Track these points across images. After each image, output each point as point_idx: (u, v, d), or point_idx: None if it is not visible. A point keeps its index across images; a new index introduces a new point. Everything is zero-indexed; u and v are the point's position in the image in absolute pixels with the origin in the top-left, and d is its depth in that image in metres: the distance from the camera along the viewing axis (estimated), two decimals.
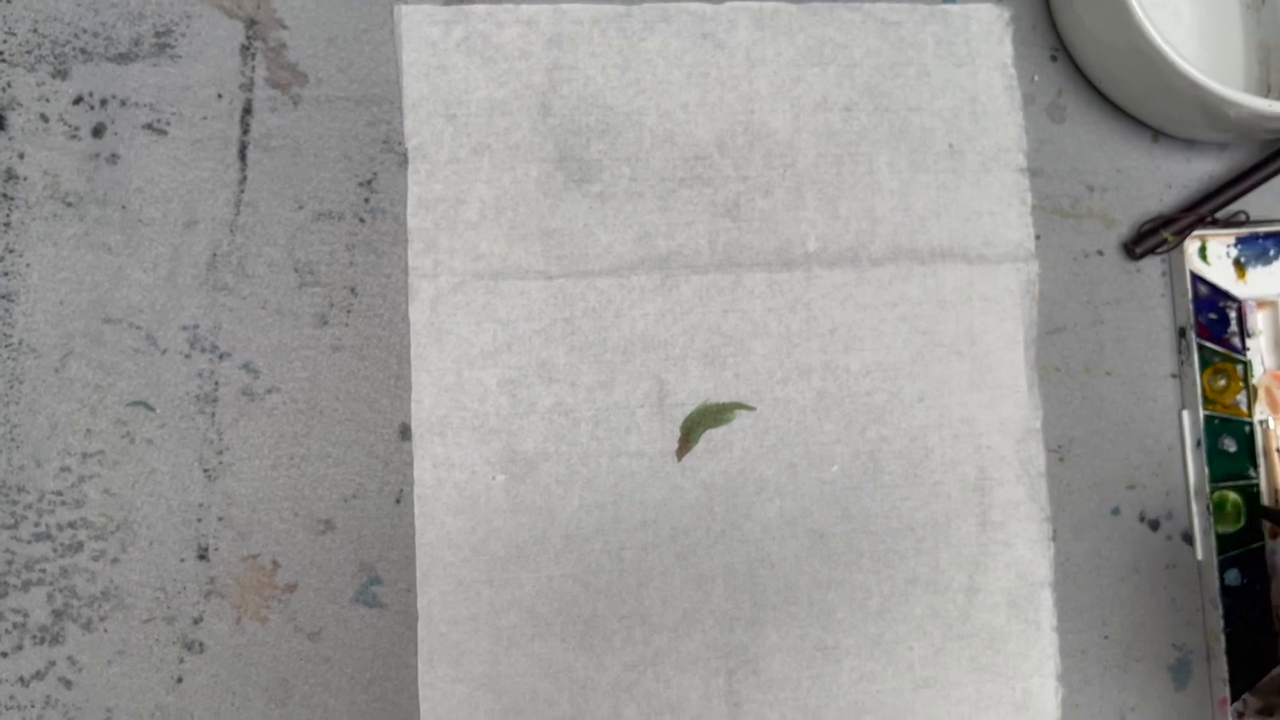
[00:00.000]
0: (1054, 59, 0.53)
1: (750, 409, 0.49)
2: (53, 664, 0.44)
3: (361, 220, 0.47)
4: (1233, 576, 0.51)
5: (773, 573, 0.48)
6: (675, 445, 0.48)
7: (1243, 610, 0.51)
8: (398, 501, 0.46)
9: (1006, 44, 0.52)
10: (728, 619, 0.48)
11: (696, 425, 0.49)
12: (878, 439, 0.49)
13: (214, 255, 0.46)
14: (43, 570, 0.44)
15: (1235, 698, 0.50)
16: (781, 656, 0.48)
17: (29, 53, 0.46)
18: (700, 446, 0.48)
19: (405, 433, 0.47)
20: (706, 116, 0.50)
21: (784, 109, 0.50)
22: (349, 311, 0.47)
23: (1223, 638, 0.50)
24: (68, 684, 0.44)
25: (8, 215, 0.45)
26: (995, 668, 0.49)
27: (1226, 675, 0.50)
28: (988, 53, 0.52)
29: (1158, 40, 0.46)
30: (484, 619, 0.46)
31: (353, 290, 0.47)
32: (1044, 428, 0.51)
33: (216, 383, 0.46)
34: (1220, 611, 0.50)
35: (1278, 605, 0.51)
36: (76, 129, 0.46)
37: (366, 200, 0.47)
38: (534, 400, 0.48)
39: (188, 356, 0.46)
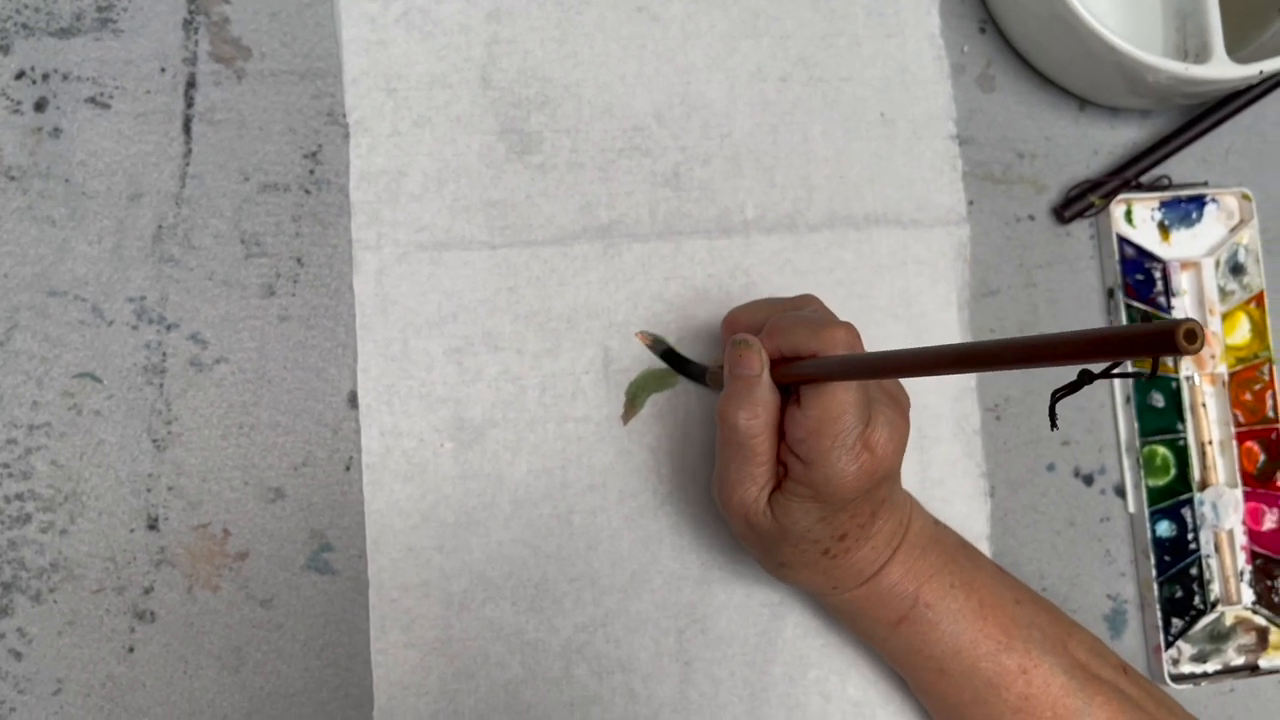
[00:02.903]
0: (983, 31, 0.55)
1: None
2: (2, 636, 0.44)
3: (307, 192, 0.48)
4: (1164, 528, 0.53)
5: (719, 532, 0.49)
6: (621, 410, 0.49)
7: (1174, 560, 0.52)
8: (347, 469, 0.47)
9: (934, 15, 0.54)
10: (676, 579, 0.49)
11: (641, 390, 0.49)
12: None
13: (159, 227, 0.47)
14: None
15: (1169, 645, 0.52)
16: (729, 614, 0.49)
17: None
18: (645, 411, 0.49)
19: (353, 401, 0.47)
20: (644, 88, 0.51)
21: (719, 80, 0.52)
22: (296, 282, 0.47)
23: (1156, 587, 0.52)
24: (17, 655, 0.44)
25: None
26: None
27: (1161, 623, 0.52)
28: (916, 24, 0.54)
29: (1079, 9, 0.48)
30: (435, 585, 0.47)
31: (299, 261, 0.48)
32: (980, 387, 0.52)
33: (164, 354, 0.46)
34: (1153, 562, 0.52)
35: (1206, 554, 0.53)
36: (19, 103, 0.46)
37: (312, 172, 0.48)
38: (480, 368, 0.48)
39: (134, 328, 0.46)
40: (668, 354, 0.49)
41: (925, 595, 0.44)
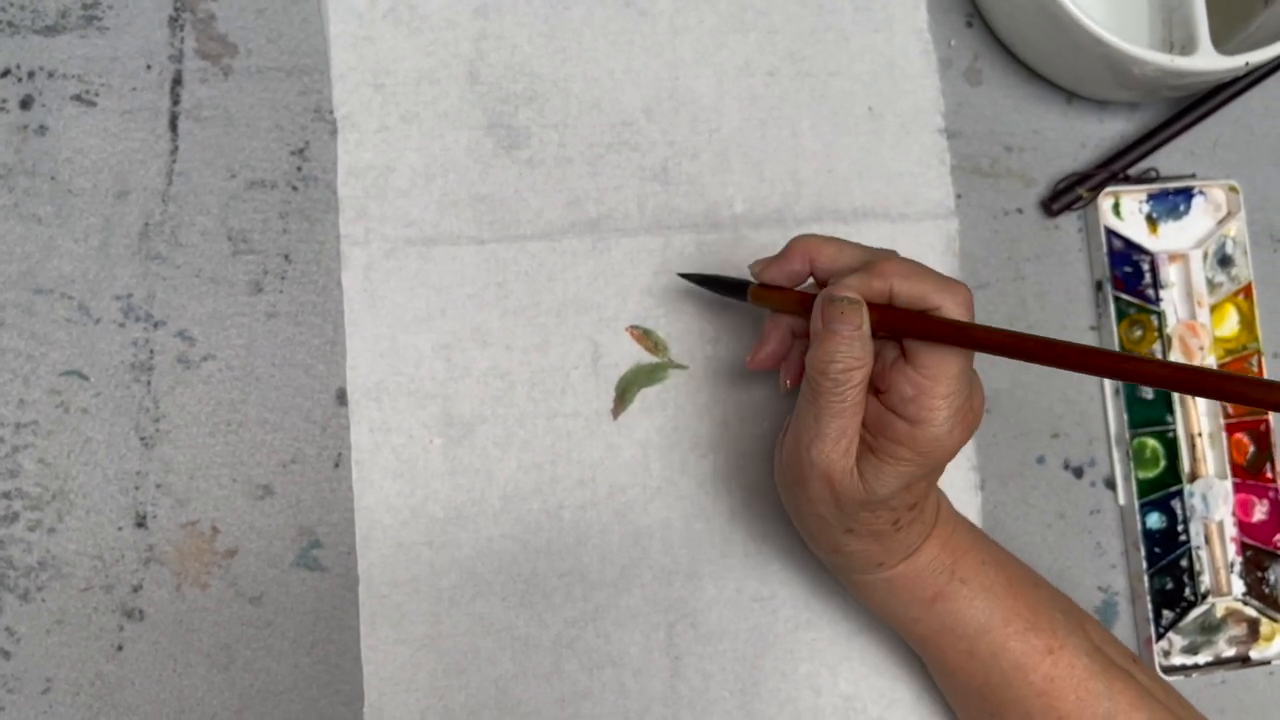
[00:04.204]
0: (969, 25, 0.55)
1: (683, 368, 0.50)
2: None
3: (294, 188, 0.48)
4: (1154, 520, 0.53)
5: (708, 527, 0.49)
6: (610, 405, 0.49)
7: (1164, 552, 0.52)
8: (336, 466, 0.47)
9: (922, 10, 0.54)
10: (666, 574, 0.49)
11: (631, 385, 0.49)
12: None
13: (146, 225, 0.47)
14: None
15: (1160, 636, 0.52)
16: (719, 609, 0.49)
17: None
18: (635, 405, 0.49)
19: (342, 397, 0.47)
20: (632, 83, 0.51)
21: (708, 75, 0.52)
22: (283, 278, 0.47)
23: (1146, 579, 0.52)
24: (6, 655, 0.44)
25: None
26: None
27: (1151, 615, 0.52)
28: (904, 18, 0.54)
29: (1067, 2, 0.48)
30: (424, 580, 0.47)
31: (287, 257, 0.47)
32: None
33: (151, 351, 0.46)
34: (1143, 554, 0.52)
35: (1196, 546, 0.53)
36: (4, 101, 0.46)
37: (299, 168, 0.48)
38: (469, 364, 0.48)
39: (122, 325, 0.46)
40: (705, 280, 0.48)
41: (960, 570, 0.43)
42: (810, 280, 0.43)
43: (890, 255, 0.40)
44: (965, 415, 0.39)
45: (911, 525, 0.42)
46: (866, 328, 0.39)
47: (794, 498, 0.43)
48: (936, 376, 0.38)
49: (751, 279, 0.45)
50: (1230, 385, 0.32)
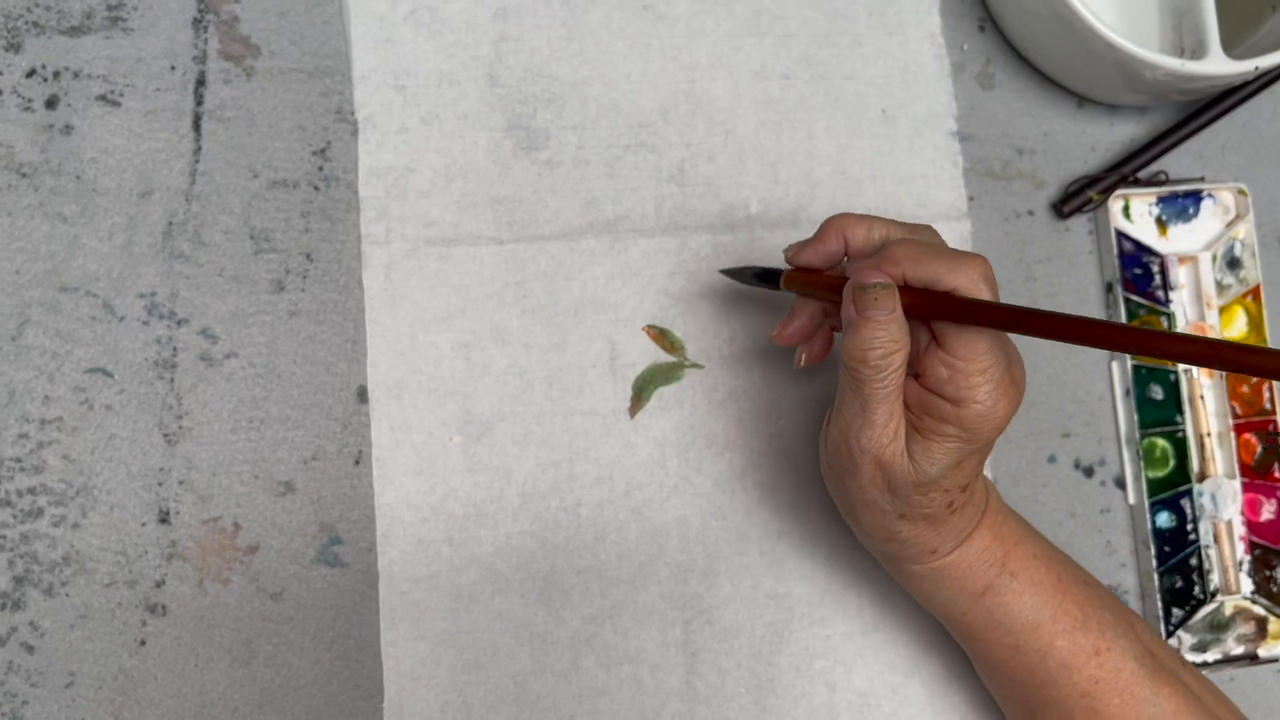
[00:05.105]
0: (982, 29, 0.56)
1: (700, 367, 0.50)
2: (14, 630, 0.44)
3: (316, 188, 0.48)
4: (1163, 519, 0.53)
5: (724, 524, 0.50)
6: (628, 404, 0.50)
7: (1174, 550, 0.53)
8: (357, 463, 0.47)
9: (934, 15, 0.55)
10: (682, 571, 0.49)
11: (648, 384, 0.50)
12: (822, 391, 0.51)
13: (170, 224, 0.47)
14: (2, 536, 0.44)
15: (1170, 634, 0.53)
16: (735, 606, 0.49)
17: None
18: (652, 404, 0.50)
19: (363, 395, 0.48)
20: (650, 86, 0.52)
21: (724, 78, 0.52)
22: (305, 277, 0.48)
23: (1156, 577, 0.53)
24: (30, 649, 0.44)
25: None
26: None
27: (1161, 613, 0.52)
28: (917, 23, 0.54)
29: (1079, 7, 0.49)
30: (444, 577, 0.47)
31: (308, 256, 0.48)
32: None
33: (175, 349, 0.47)
34: (1153, 552, 0.53)
35: (1205, 545, 0.53)
36: (30, 101, 0.47)
37: (320, 169, 0.48)
38: (488, 363, 0.49)
39: (145, 323, 0.46)
40: (741, 272, 0.48)
41: (1011, 563, 0.43)
42: (845, 261, 0.43)
43: (905, 240, 0.40)
44: (1008, 388, 0.38)
45: (965, 507, 0.41)
46: (899, 310, 0.38)
47: (845, 489, 0.42)
48: (968, 356, 0.38)
49: (785, 267, 0.45)
50: (1241, 356, 0.31)
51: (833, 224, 0.42)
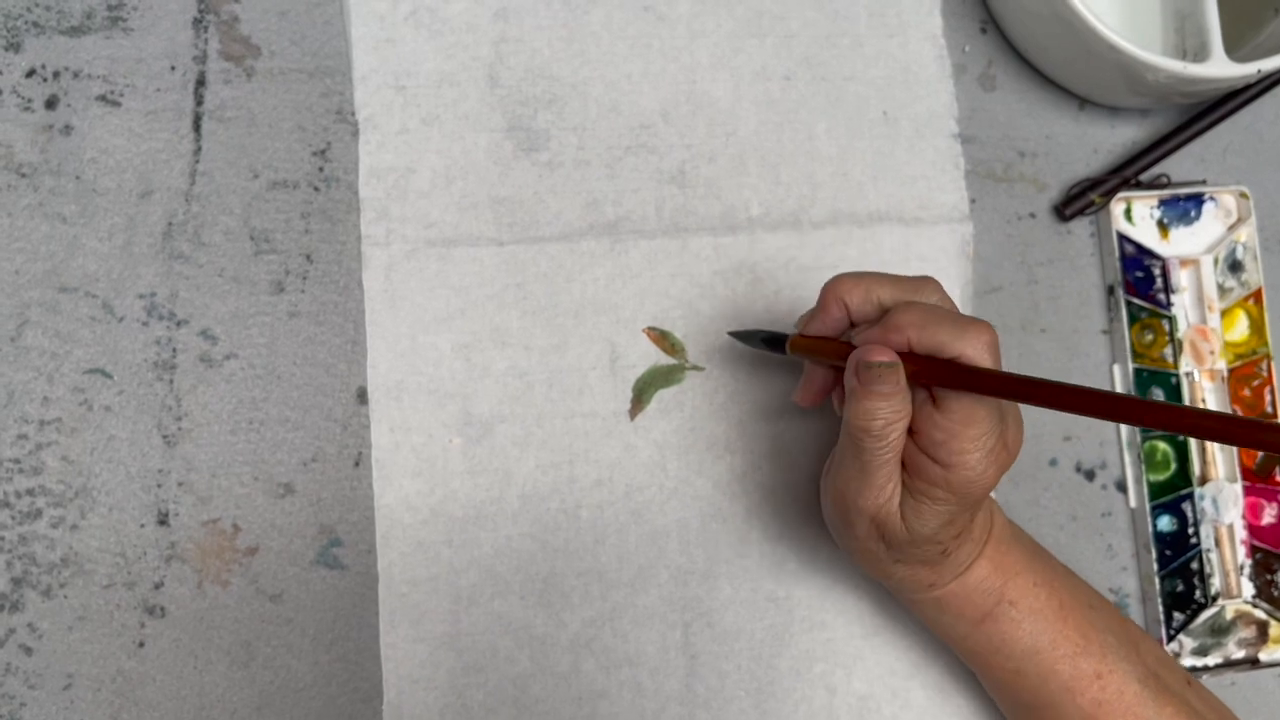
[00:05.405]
0: (984, 31, 0.55)
1: (700, 369, 0.50)
2: (12, 631, 0.44)
3: (316, 189, 0.48)
4: (1164, 522, 0.53)
5: (725, 527, 0.50)
6: (628, 406, 0.50)
7: (1175, 554, 0.53)
8: (356, 464, 0.47)
9: (936, 16, 0.54)
10: (682, 573, 0.49)
11: (648, 386, 0.50)
12: None
13: (170, 224, 0.47)
14: (1, 538, 0.44)
15: (1171, 638, 0.52)
16: (735, 609, 0.49)
17: None
18: (652, 406, 0.50)
19: (362, 396, 0.48)
20: (650, 86, 0.52)
21: (725, 79, 0.52)
22: (305, 278, 0.48)
23: (1157, 581, 0.52)
24: (28, 651, 0.44)
25: None
26: None
27: (1162, 617, 0.52)
28: (918, 24, 0.54)
29: (1081, 9, 0.48)
30: (443, 579, 0.47)
31: (308, 257, 0.48)
32: None
33: (174, 350, 0.46)
34: (1154, 556, 0.53)
35: (1206, 548, 0.53)
36: (29, 101, 0.46)
37: (321, 169, 0.48)
38: (488, 364, 0.49)
39: (145, 324, 0.46)
40: (748, 335, 0.48)
41: (1009, 593, 0.43)
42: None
43: (909, 304, 0.40)
44: (999, 455, 0.39)
45: (960, 548, 0.42)
46: (904, 383, 0.39)
47: (841, 536, 0.44)
48: (966, 420, 0.38)
49: (792, 332, 0.45)
50: (1252, 432, 0.31)
51: (831, 291, 0.42)
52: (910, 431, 0.40)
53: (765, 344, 0.47)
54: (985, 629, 0.44)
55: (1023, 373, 0.40)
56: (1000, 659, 0.44)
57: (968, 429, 0.38)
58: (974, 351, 0.38)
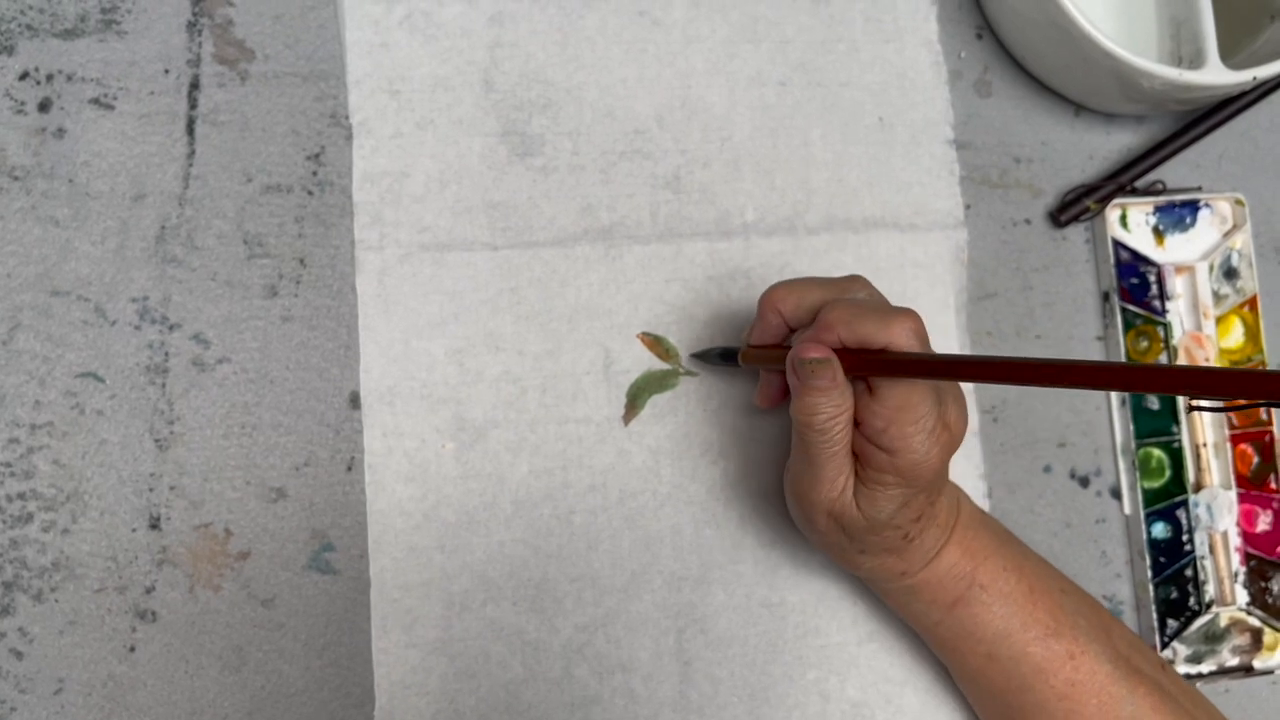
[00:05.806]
0: (979, 37, 0.55)
1: (694, 374, 0.50)
2: (3, 635, 0.44)
3: (310, 193, 0.48)
4: (1159, 529, 0.53)
5: (719, 533, 0.50)
6: (622, 411, 0.49)
7: (1169, 561, 0.53)
8: (349, 469, 0.47)
9: (932, 21, 0.54)
10: (676, 579, 0.49)
11: (642, 391, 0.50)
12: None
13: (163, 228, 0.47)
14: None
15: (1165, 646, 0.52)
16: (729, 615, 0.49)
17: None
18: (646, 412, 0.50)
19: (355, 401, 0.47)
20: (645, 92, 0.51)
21: (720, 84, 0.52)
22: (298, 282, 0.48)
23: (1151, 588, 0.52)
24: (19, 655, 0.44)
25: None
26: None
27: (1156, 624, 0.52)
28: (914, 30, 0.54)
29: (1076, 15, 0.48)
30: (436, 584, 0.47)
31: (302, 261, 0.48)
32: (977, 389, 0.53)
33: (167, 353, 0.46)
34: (1148, 563, 0.52)
35: (1200, 555, 0.53)
36: (22, 104, 0.46)
37: (314, 173, 0.48)
38: (482, 369, 0.49)
39: (137, 328, 0.46)
40: (707, 355, 0.50)
41: (980, 576, 0.44)
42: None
43: (837, 302, 0.41)
44: (940, 435, 0.40)
45: (924, 534, 0.43)
46: (841, 376, 0.40)
47: (807, 531, 0.45)
48: (902, 406, 0.39)
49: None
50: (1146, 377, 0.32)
51: (766, 300, 0.44)
52: (856, 423, 0.41)
53: (721, 359, 0.49)
54: (957, 613, 0.45)
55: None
56: (972, 643, 0.45)
57: (905, 413, 0.39)
58: (900, 339, 0.39)
